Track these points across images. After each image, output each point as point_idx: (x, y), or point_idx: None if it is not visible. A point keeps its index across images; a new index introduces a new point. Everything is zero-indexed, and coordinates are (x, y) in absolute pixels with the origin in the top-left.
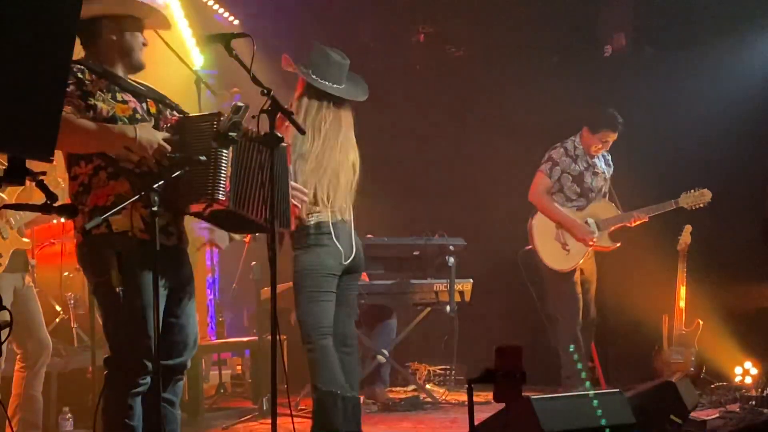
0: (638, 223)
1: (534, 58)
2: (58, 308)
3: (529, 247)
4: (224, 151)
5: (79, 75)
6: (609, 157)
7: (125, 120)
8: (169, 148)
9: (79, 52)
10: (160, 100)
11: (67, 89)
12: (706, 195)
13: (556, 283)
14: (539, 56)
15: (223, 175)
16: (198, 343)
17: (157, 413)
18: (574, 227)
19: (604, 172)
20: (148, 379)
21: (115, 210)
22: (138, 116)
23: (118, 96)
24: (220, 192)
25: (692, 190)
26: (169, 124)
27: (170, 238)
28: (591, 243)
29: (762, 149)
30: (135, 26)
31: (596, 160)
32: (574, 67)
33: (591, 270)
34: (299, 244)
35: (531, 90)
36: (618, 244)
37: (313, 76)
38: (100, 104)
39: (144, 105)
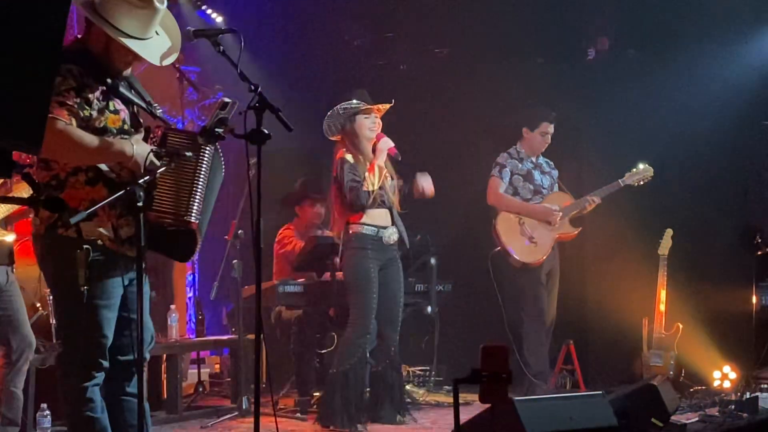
0: (593, 206)
1: (518, 60)
2: (37, 304)
3: (498, 248)
4: (207, 151)
5: (78, 77)
6: (552, 163)
7: (114, 131)
8: (158, 163)
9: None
10: (148, 108)
11: (66, 93)
12: (648, 170)
13: (524, 283)
14: (523, 58)
15: (199, 192)
16: (155, 339)
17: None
18: (536, 212)
19: (550, 173)
20: (103, 374)
21: (101, 204)
22: (126, 127)
23: (111, 105)
24: (193, 214)
25: (635, 168)
26: (154, 138)
27: (133, 249)
28: (557, 220)
29: (743, 154)
30: (128, 56)
31: (541, 161)
32: (558, 70)
33: (555, 270)
34: None
35: (515, 91)
36: (579, 229)
37: None
38: (95, 114)
39: (129, 110)
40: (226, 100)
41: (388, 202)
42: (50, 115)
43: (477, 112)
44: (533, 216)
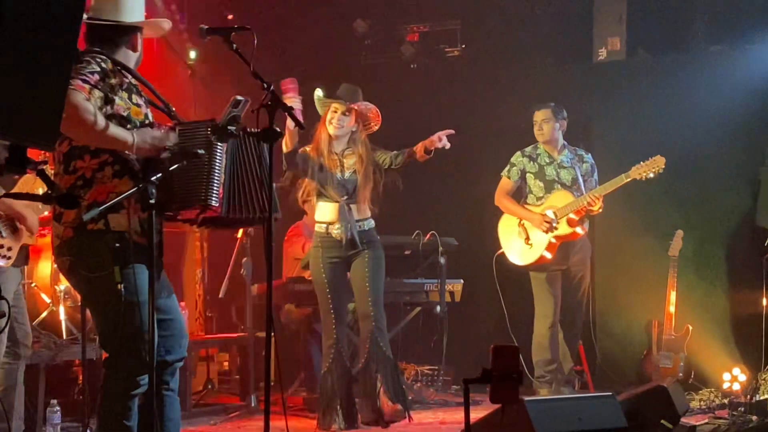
0: (598, 203)
1: (528, 59)
2: (47, 300)
3: (501, 251)
4: (219, 147)
5: (103, 65)
6: (587, 156)
7: (137, 123)
8: (163, 143)
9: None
10: (165, 109)
11: (90, 74)
12: (659, 161)
13: (533, 283)
14: (533, 57)
15: (216, 179)
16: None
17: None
18: (530, 218)
19: (573, 167)
20: (147, 378)
21: (112, 201)
22: (147, 122)
23: (134, 98)
24: (213, 198)
25: (643, 161)
26: (163, 129)
27: (157, 236)
28: (549, 224)
29: (753, 155)
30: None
31: (562, 157)
32: (568, 70)
33: (578, 269)
34: None
35: (525, 91)
36: (577, 230)
37: None
38: (118, 100)
39: (148, 111)
40: (239, 97)
41: (338, 197)
42: (70, 87)
43: (486, 111)
44: (530, 221)
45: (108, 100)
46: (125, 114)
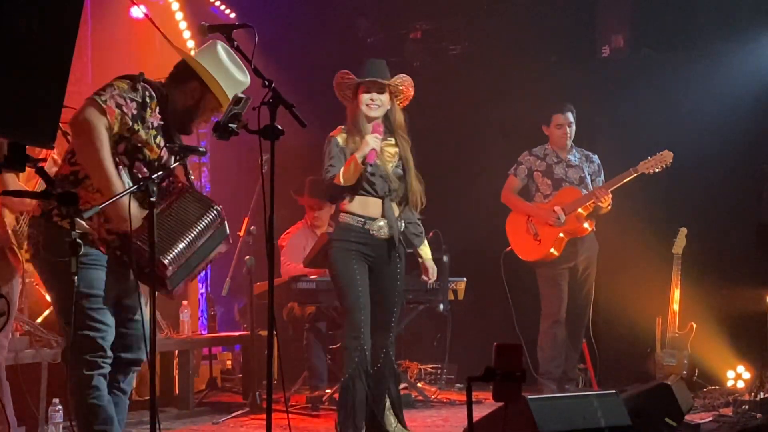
0: (607, 199)
1: (532, 57)
2: (49, 298)
3: (509, 248)
4: (209, 218)
5: (147, 99)
6: (594, 157)
7: (147, 158)
8: (134, 225)
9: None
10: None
11: (129, 101)
12: (666, 156)
13: (539, 280)
14: (537, 55)
15: (184, 243)
16: (169, 335)
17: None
18: (539, 214)
19: (581, 166)
20: (109, 363)
21: (116, 197)
22: (158, 164)
23: (158, 139)
24: (168, 257)
25: (650, 156)
26: (173, 184)
27: (119, 256)
28: (557, 217)
29: (757, 153)
30: (213, 112)
31: (570, 156)
32: (572, 68)
33: (585, 267)
34: None
35: (528, 89)
36: (585, 226)
37: None
38: (141, 133)
39: (165, 156)
40: (240, 95)
41: (381, 191)
42: (103, 105)
43: (490, 109)
44: (538, 218)
45: (130, 129)
46: (139, 146)
